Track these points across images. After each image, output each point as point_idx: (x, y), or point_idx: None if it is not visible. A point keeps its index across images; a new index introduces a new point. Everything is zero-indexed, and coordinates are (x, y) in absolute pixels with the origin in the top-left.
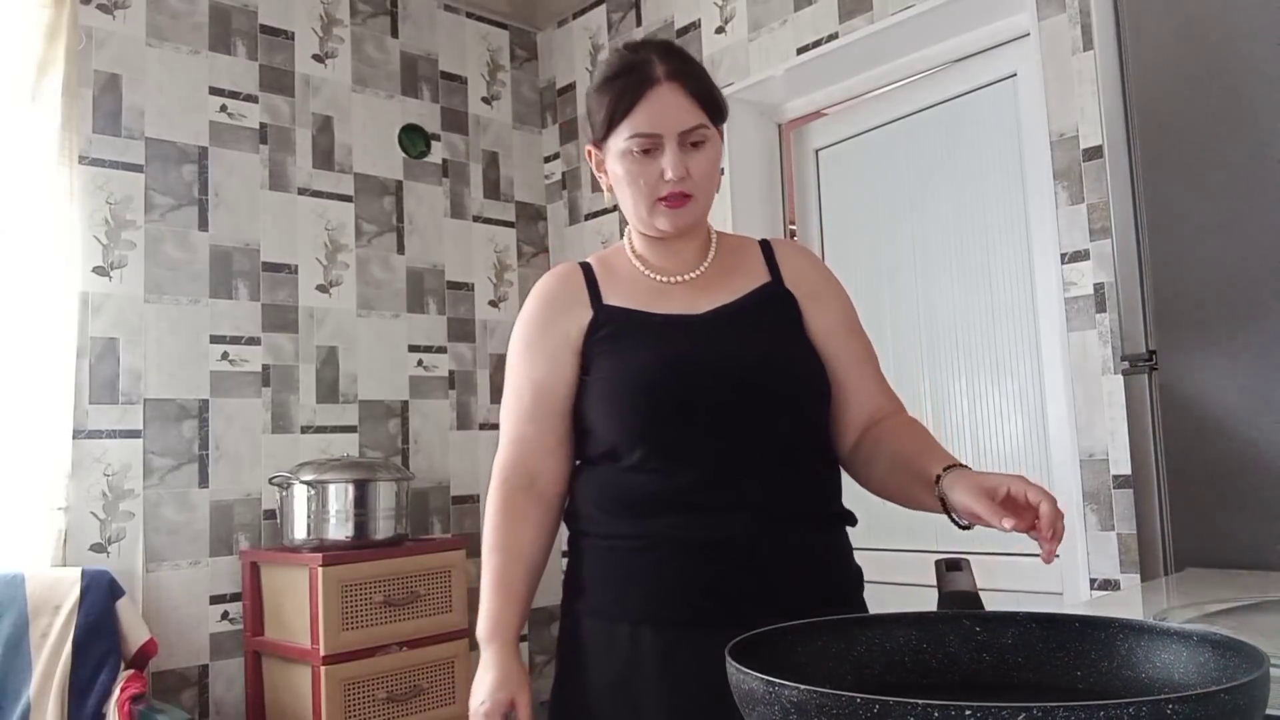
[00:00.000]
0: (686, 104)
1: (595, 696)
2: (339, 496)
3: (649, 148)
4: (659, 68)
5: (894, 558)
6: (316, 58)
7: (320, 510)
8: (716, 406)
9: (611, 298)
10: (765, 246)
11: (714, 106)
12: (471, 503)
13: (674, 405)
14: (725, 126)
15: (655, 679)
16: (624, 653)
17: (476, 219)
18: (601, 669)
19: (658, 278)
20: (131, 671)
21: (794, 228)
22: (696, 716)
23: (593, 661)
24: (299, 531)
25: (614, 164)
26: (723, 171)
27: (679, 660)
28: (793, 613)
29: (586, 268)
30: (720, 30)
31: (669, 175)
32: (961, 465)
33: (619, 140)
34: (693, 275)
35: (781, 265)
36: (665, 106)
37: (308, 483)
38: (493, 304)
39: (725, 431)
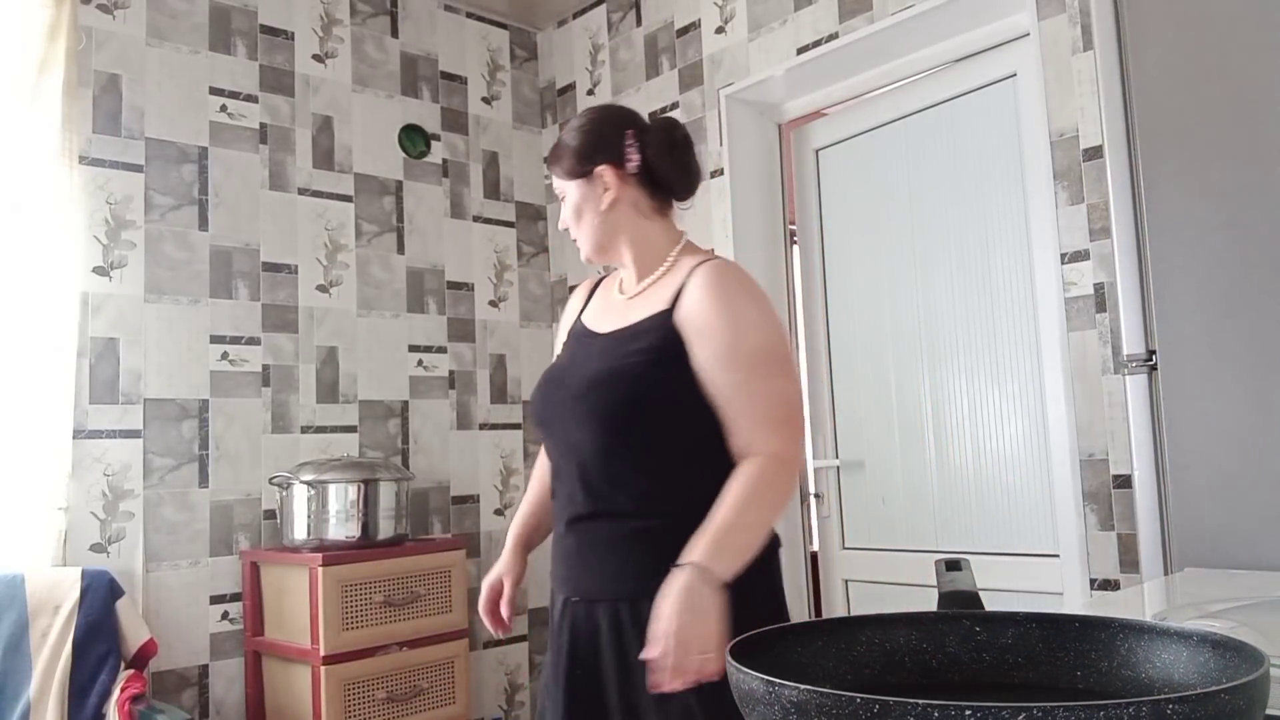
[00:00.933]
0: (555, 176)
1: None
2: (339, 496)
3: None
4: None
5: (894, 558)
6: (316, 58)
7: (320, 510)
8: (559, 418)
9: (586, 312)
10: (692, 274)
11: (560, 166)
12: (471, 503)
13: (539, 415)
14: (721, 128)
15: (553, 635)
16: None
17: (476, 219)
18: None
19: (617, 296)
20: (131, 671)
21: (794, 228)
22: (558, 667)
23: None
24: (299, 531)
25: None
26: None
27: (554, 620)
28: (604, 591)
29: (598, 282)
30: (720, 30)
31: (560, 227)
32: (691, 564)
33: None
34: (627, 297)
35: (682, 297)
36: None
37: (308, 483)
38: (493, 304)
39: (566, 440)
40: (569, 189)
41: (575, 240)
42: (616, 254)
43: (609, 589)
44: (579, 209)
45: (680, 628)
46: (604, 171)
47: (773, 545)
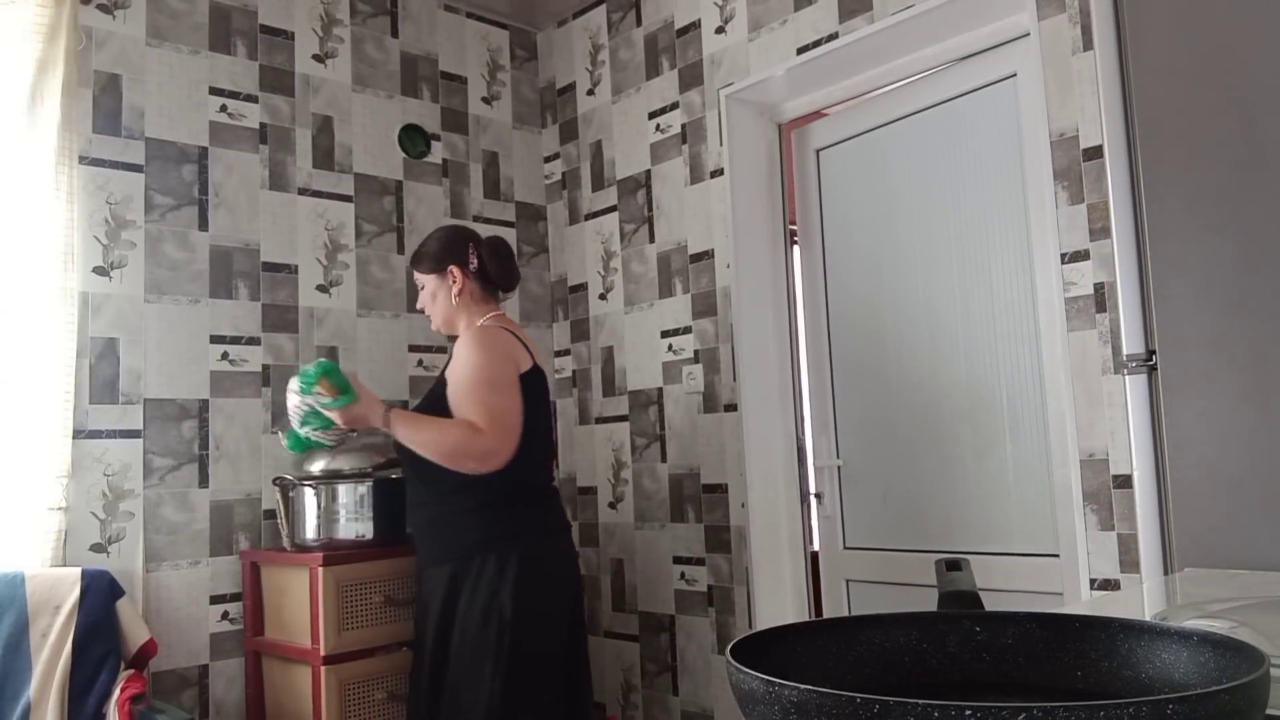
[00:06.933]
0: (415, 273)
1: None
2: (336, 497)
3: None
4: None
5: (894, 558)
6: (316, 58)
7: (321, 510)
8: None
9: None
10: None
11: (421, 265)
12: None
13: None
14: (721, 128)
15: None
16: None
17: (476, 219)
18: None
19: None
20: (131, 671)
21: (794, 228)
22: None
23: None
24: (297, 532)
25: None
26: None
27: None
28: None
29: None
30: (720, 30)
31: (418, 307)
32: (393, 410)
33: None
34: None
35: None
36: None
37: (308, 483)
38: None
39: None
40: (428, 281)
41: (429, 316)
42: (456, 328)
43: (446, 555)
44: (435, 295)
45: (355, 413)
46: (453, 270)
47: (509, 558)
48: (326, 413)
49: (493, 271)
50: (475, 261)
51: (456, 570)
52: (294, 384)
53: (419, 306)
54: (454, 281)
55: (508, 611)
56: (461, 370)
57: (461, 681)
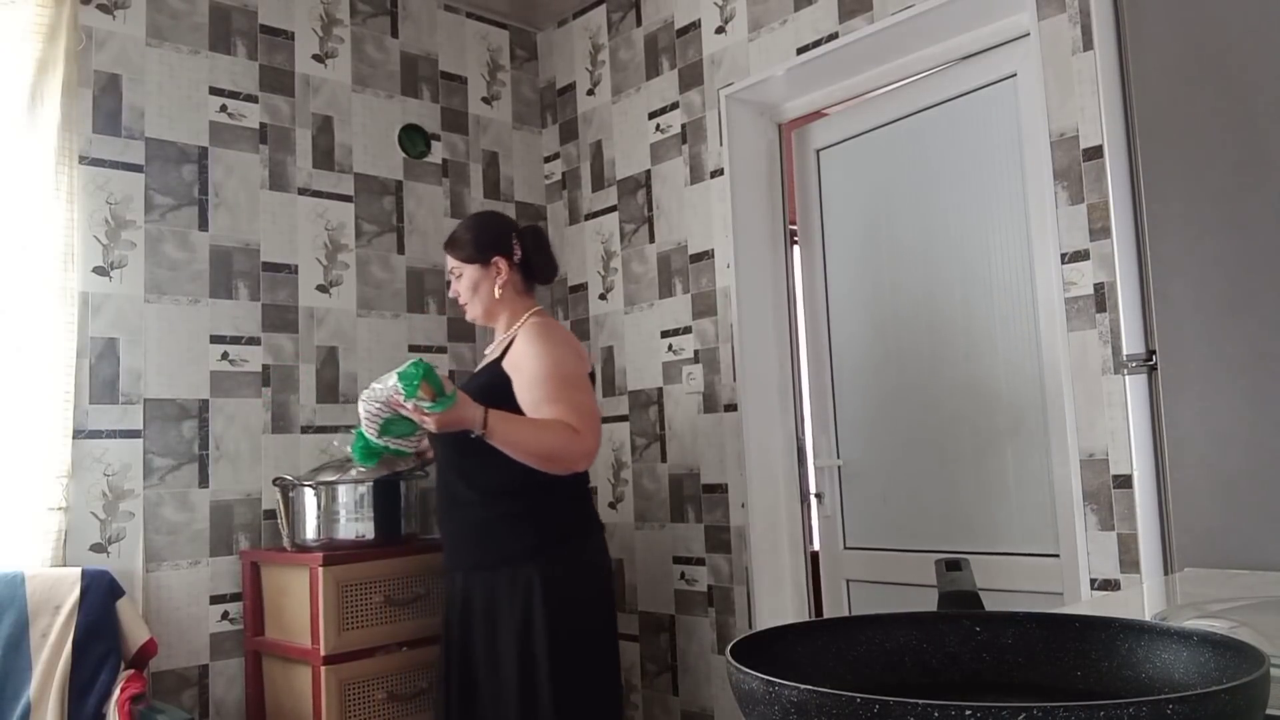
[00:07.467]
0: (449, 258)
1: None
2: (336, 497)
3: (449, 281)
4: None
5: (894, 558)
6: (316, 58)
7: (321, 510)
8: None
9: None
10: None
11: (462, 253)
12: None
13: None
14: (721, 128)
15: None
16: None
17: None
18: None
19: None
20: (131, 671)
21: (794, 228)
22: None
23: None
24: (297, 532)
25: None
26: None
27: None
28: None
29: None
30: (720, 30)
31: (450, 295)
32: (489, 410)
33: None
34: (491, 349)
35: (511, 349)
36: (448, 261)
37: (310, 485)
38: None
39: (436, 444)
40: (462, 271)
41: (464, 306)
42: (496, 320)
43: (493, 559)
44: (476, 285)
45: (454, 416)
46: (499, 261)
47: (590, 565)
48: (420, 418)
49: (536, 264)
50: (519, 253)
51: (507, 575)
52: (376, 390)
53: (452, 294)
54: (499, 274)
55: (566, 615)
56: (538, 366)
57: (522, 686)
